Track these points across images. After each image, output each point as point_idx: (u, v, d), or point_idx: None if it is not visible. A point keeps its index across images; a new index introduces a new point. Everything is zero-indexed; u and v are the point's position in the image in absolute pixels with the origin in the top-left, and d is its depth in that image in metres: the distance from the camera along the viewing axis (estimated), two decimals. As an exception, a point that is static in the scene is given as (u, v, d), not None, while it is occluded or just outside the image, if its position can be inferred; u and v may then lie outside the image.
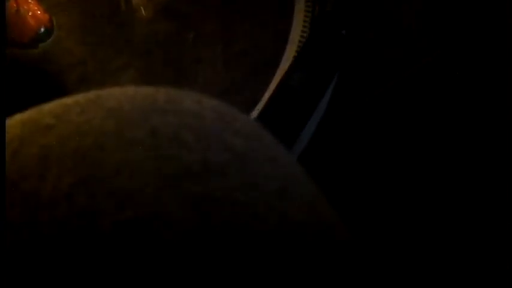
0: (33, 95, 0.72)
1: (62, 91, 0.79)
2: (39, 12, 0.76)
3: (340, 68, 0.76)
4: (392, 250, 0.78)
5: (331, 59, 0.75)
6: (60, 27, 0.82)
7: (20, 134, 0.18)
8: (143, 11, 0.86)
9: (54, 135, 0.17)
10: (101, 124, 0.18)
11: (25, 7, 0.74)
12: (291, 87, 0.74)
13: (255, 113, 0.80)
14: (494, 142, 0.86)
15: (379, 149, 0.85)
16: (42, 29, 0.78)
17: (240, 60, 0.86)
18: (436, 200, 0.83)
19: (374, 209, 0.81)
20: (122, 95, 0.20)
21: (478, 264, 0.77)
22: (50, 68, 0.80)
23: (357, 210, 0.80)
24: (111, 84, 0.83)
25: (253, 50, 0.86)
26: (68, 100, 0.20)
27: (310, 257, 0.17)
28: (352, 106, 0.87)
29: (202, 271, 0.15)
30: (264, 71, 0.84)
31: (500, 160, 0.84)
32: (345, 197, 0.81)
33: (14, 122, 0.19)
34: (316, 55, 0.75)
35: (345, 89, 0.86)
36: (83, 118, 0.18)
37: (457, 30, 0.92)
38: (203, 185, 0.17)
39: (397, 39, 0.91)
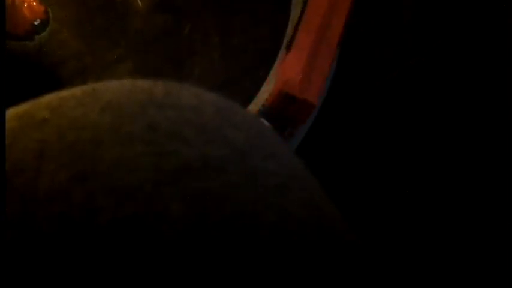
0: (29, 88, 0.71)
1: (58, 84, 0.79)
2: (34, 3, 0.76)
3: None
4: (394, 246, 0.78)
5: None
6: (56, 19, 0.81)
7: (16, 127, 0.18)
8: (140, 3, 0.86)
9: (50, 130, 0.17)
10: (98, 118, 0.17)
11: (20, -2, 0.73)
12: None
13: (252, 107, 0.79)
14: (493, 138, 0.86)
15: (378, 142, 0.85)
16: (38, 21, 0.77)
17: (237, 54, 0.85)
18: (436, 194, 0.83)
19: (373, 202, 0.81)
20: (119, 88, 0.19)
21: (478, 264, 0.78)
22: (46, 61, 0.79)
23: (357, 204, 0.80)
24: (107, 77, 0.82)
25: (250, 44, 0.86)
26: (64, 93, 0.19)
27: (311, 254, 0.17)
28: (350, 98, 0.87)
29: (202, 269, 0.15)
30: (261, 65, 0.83)
31: (499, 156, 0.84)
32: (344, 191, 0.81)
33: (10, 115, 0.19)
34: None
35: (344, 81, 0.85)
36: (79, 112, 0.18)
37: (456, 25, 0.92)
38: (202, 181, 0.16)
39: (396, 33, 0.91)
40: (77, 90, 0.20)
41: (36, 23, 0.77)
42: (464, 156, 0.85)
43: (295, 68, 0.73)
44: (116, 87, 0.20)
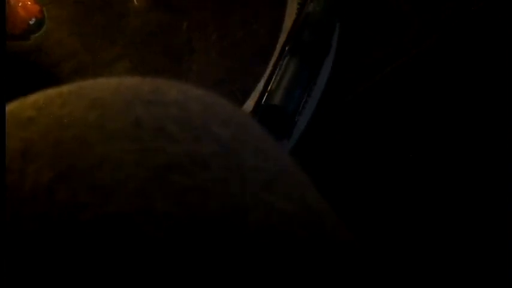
0: (25, 87, 0.71)
1: (55, 83, 0.78)
2: (29, 3, 0.75)
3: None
4: (385, 243, 0.78)
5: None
6: (52, 19, 0.81)
7: None
8: (135, 1, 0.86)
9: (35, 128, 0.17)
10: (83, 116, 0.17)
11: (15, -2, 0.73)
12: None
13: (250, 103, 0.79)
14: (492, 137, 0.86)
15: (377, 140, 0.85)
16: (33, 20, 0.77)
17: (234, 50, 0.85)
18: (433, 193, 0.83)
19: (371, 202, 0.81)
20: (106, 86, 0.19)
21: (478, 263, 0.77)
22: (42, 60, 0.79)
23: (355, 203, 0.80)
24: (105, 76, 0.82)
25: (247, 39, 0.86)
26: (50, 92, 0.19)
27: (299, 251, 0.17)
28: (347, 95, 0.86)
29: (187, 266, 0.15)
30: (259, 60, 0.83)
31: (499, 154, 0.84)
32: (337, 188, 0.81)
33: None
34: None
35: (340, 77, 0.85)
36: (65, 110, 0.18)
37: (455, 19, 0.92)
38: (188, 178, 0.16)
39: (394, 25, 0.91)
40: (63, 89, 0.19)
41: (31, 22, 0.77)
42: (463, 153, 0.85)
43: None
44: (102, 85, 0.19)
